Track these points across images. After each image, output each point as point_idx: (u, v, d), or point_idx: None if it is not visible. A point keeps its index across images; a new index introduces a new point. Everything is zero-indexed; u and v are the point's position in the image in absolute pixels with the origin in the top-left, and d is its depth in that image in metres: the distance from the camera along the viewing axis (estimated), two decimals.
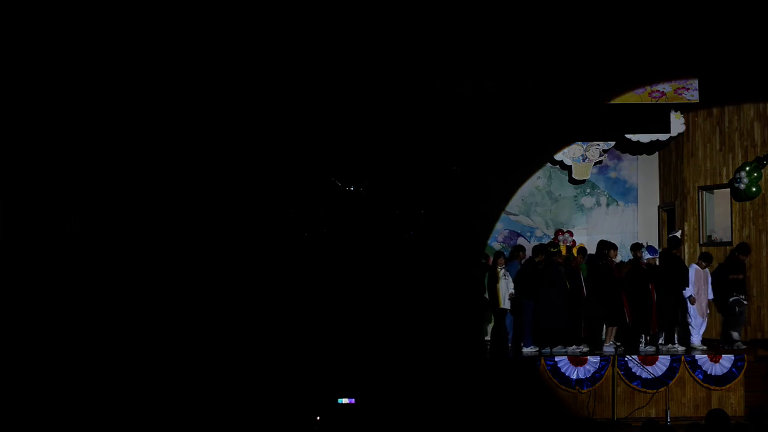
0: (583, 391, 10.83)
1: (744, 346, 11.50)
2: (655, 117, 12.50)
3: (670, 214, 13.87)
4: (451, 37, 11.35)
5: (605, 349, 11.35)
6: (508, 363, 11.34)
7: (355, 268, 11.62)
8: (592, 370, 10.89)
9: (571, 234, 13.46)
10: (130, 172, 11.02)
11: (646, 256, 11.65)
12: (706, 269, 11.82)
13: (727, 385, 10.84)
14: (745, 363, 10.93)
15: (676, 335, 11.77)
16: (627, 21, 11.35)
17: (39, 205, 10.50)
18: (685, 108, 12.72)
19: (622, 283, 11.42)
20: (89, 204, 10.83)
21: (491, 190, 13.40)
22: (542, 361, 10.97)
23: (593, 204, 14.06)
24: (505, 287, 11.85)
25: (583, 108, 12.25)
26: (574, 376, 10.87)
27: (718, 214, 13.32)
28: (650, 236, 13.70)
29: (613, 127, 12.74)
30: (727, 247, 12.61)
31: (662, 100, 12.08)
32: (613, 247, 11.70)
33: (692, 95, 12.03)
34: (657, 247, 12.62)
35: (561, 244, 12.76)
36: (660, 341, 11.70)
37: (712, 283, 11.79)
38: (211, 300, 10.90)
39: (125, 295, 10.58)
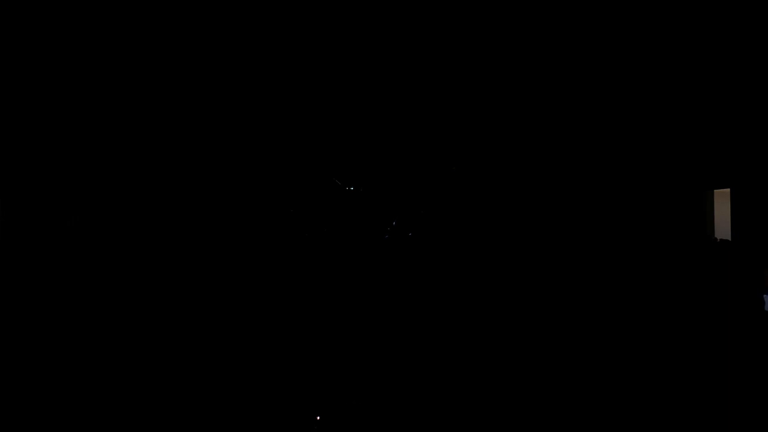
0: None
1: None
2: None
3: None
4: (451, 36, 11.37)
5: None
6: None
7: (355, 268, 11.61)
8: None
9: None
10: (128, 172, 11.03)
11: None
12: None
13: None
14: None
15: None
16: (626, 20, 11.39)
17: (38, 204, 10.51)
18: None
19: None
20: (87, 203, 10.83)
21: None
22: None
23: None
24: None
25: (583, 107, 12.29)
26: None
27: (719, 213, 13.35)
28: None
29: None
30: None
31: None
32: None
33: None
34: None
35: None
36: None
37: None
38: (210, 299, 10.91)
39: (124, 294, 10.58)
